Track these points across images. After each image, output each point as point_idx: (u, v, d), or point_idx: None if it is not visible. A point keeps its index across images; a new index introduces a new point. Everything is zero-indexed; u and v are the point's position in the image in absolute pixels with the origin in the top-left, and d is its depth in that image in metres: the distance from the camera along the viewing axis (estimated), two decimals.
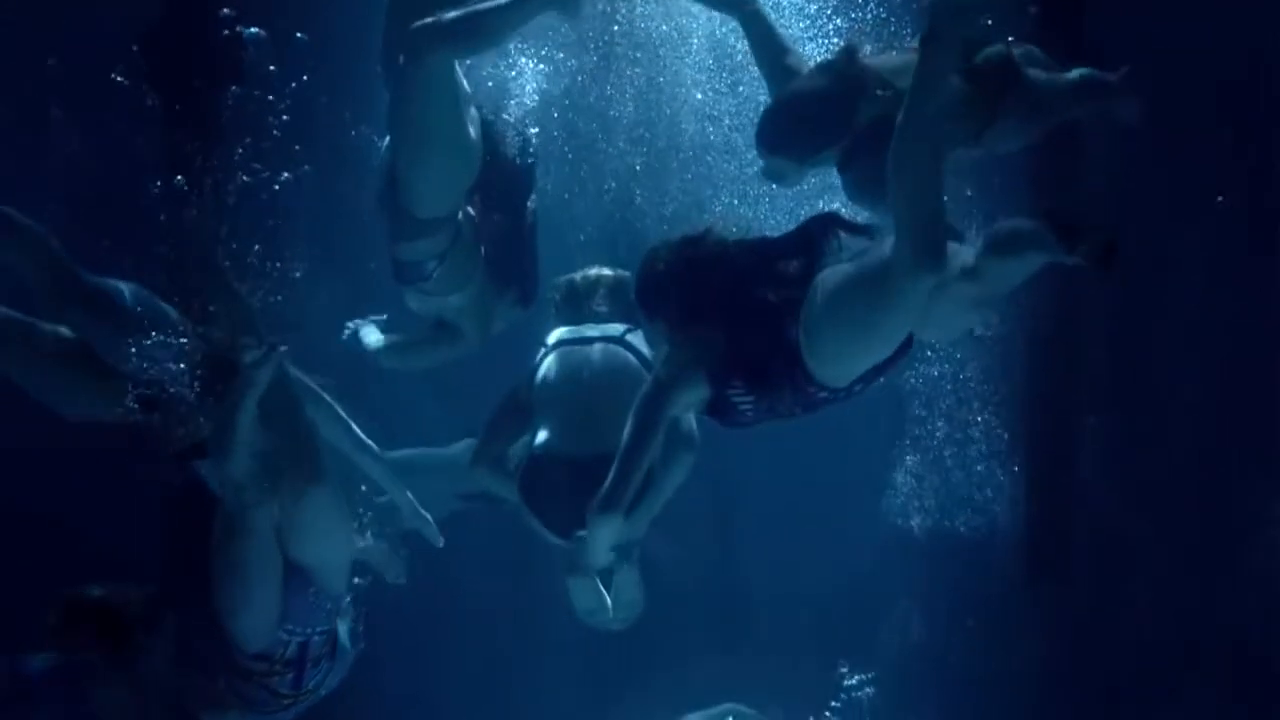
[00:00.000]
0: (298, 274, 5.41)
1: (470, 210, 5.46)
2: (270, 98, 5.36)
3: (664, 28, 6.21)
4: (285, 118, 5.37)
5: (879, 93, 4.25)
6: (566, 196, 6.55)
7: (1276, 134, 6.56)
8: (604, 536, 4.18)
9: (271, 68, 5.42)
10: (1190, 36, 5.98)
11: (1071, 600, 6.50)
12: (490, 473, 5.23)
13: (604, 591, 5.03)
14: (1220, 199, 6.45)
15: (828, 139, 4.41)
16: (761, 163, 4.55)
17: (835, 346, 3.84)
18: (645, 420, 4.08)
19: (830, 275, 3.90)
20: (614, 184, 6.81)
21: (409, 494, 5.52)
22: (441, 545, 5.58)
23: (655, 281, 4.26)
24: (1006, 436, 6.92)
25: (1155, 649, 6.14)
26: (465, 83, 5.13)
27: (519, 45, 6.06)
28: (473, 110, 5.18)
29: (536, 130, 5.66)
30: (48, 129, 6.08)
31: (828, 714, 7.12)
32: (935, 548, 7.38)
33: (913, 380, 7.06)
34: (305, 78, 5.43)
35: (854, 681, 7.28)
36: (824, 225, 4.09)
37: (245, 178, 5.29)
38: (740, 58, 6.02)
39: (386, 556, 5.41)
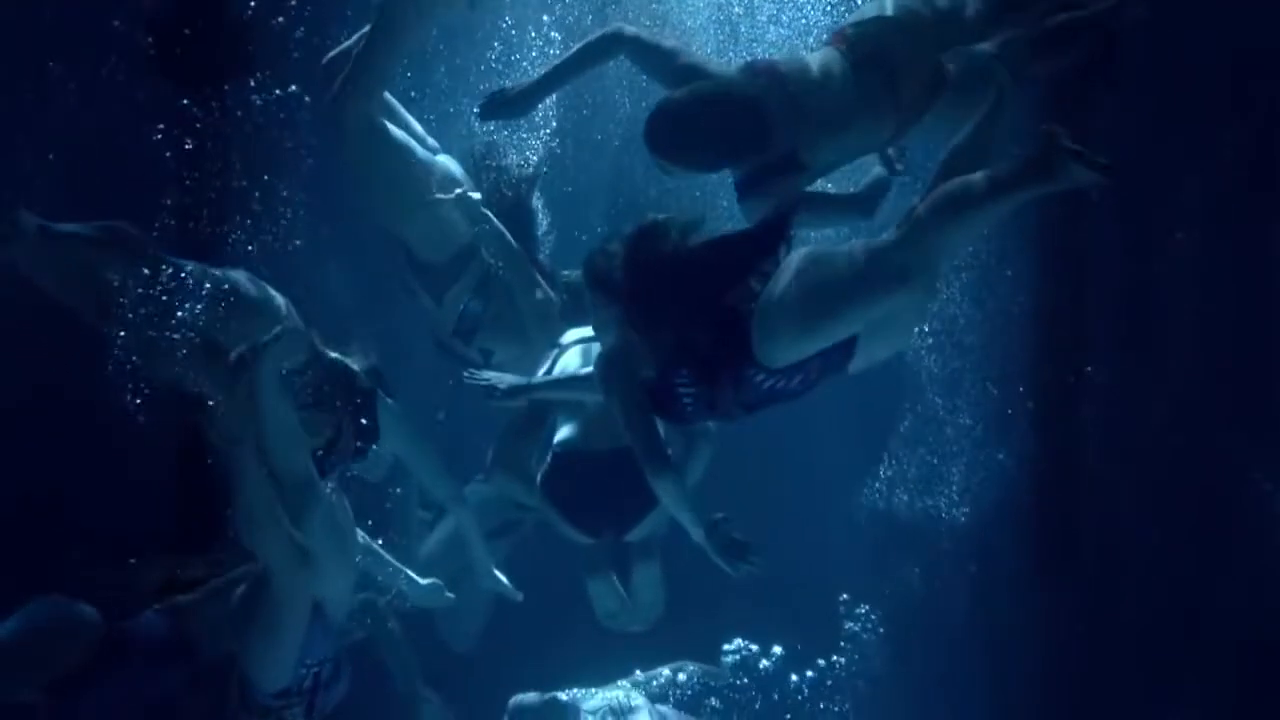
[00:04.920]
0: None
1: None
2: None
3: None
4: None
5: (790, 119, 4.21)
6: (570, 189, 6.45)
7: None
8: (672, 497, 4.18)
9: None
10: None
11: (1072, 571, 6.54)
12: (510, 477, 5.25)
13: (624, 593, 5.08)
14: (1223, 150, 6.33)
15: (726, 163, 4.39)
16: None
17: (791, 324, 3.84)
18: (616, 392, 4.15)
19: (806, 257, 3.91)
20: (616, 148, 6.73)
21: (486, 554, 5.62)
22: (521, 599, 5.67)
23: (609, 276, 4.23)
24: (1002, 398, 6.90)
25: (1155, 619, 6.21)
26: (410, 122, 5.48)
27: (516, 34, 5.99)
28: (429, 143, 5.51)
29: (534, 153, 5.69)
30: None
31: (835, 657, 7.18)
32: (933, 514, 7.41)
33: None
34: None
35: (860, 612, 7.34)
36: (788, 220, 4.07)
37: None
38: (744, 35, 5.91)
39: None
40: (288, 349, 4.27)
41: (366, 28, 5.20)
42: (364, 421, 4.93)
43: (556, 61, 4.67)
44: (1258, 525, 5.75)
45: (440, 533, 5.96)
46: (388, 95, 5.38)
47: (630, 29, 4.54)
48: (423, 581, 5.44)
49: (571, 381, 5.02)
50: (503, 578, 5.56)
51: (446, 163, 5.53)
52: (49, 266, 4.72)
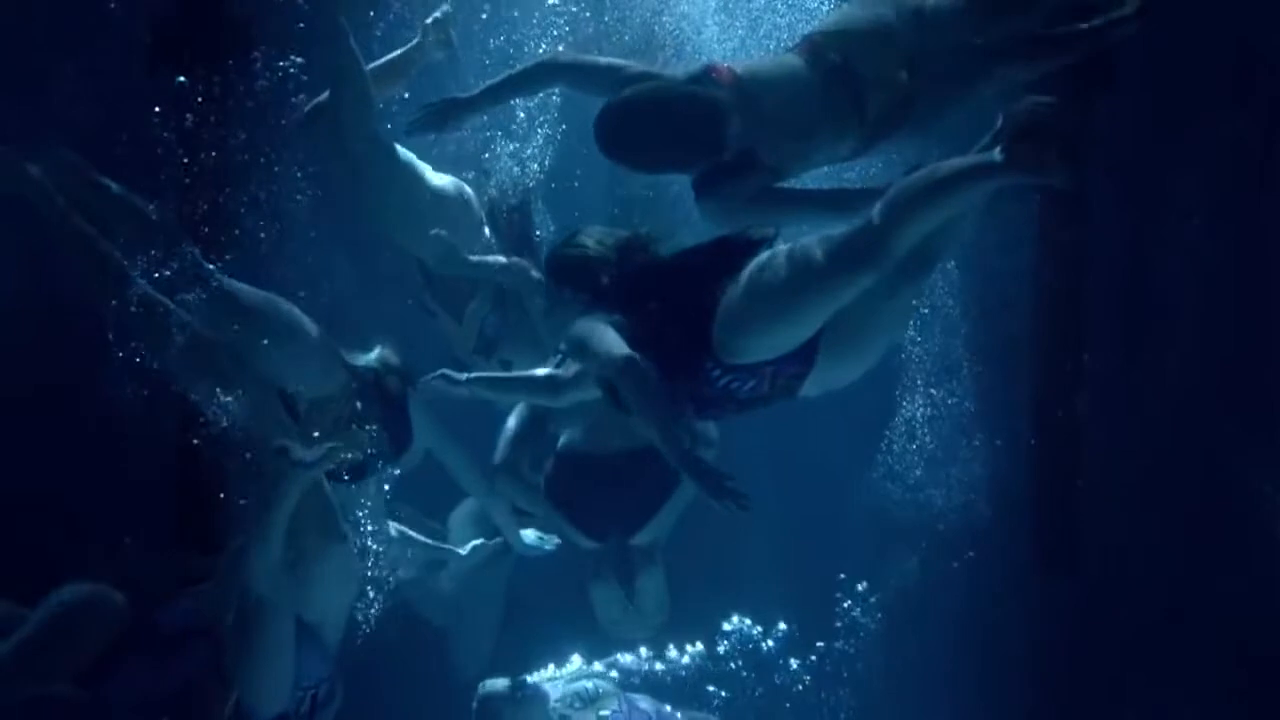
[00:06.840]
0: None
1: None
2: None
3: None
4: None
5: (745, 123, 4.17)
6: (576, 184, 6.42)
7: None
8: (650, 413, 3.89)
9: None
10: None
11: (1070, 567, 6.57)
12: (513, 482, 5.25)
13: (627, 600, 5.10)
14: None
15: (675, 162, 4.36)
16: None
17: (748, 312, 3.82)
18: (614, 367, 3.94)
19: (772, 251, 3.89)
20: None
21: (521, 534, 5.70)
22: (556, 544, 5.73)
23: (586, 274, 4.21)
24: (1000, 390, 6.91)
25: (1154, 617, 6.25)
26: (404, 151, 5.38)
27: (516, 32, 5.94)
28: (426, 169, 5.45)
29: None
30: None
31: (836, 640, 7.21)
32: (931, 500, 7.43)
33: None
34: None
35: (861, 590, 7.37)
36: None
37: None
38: (744, 31, 5.85)
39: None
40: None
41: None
42: (399, 424, 4.99)
43: (487, 84, 4.62)
44: (1258, 524, 5.78)
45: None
46: None
47: (565, 55, 4.53)
48: (462, 550, 5.60)
49: (522, 380, 4.98)
50: (532, 533, 5.67)
51: (451, 182, 5.53)
52: (64, 211, 4.58)
